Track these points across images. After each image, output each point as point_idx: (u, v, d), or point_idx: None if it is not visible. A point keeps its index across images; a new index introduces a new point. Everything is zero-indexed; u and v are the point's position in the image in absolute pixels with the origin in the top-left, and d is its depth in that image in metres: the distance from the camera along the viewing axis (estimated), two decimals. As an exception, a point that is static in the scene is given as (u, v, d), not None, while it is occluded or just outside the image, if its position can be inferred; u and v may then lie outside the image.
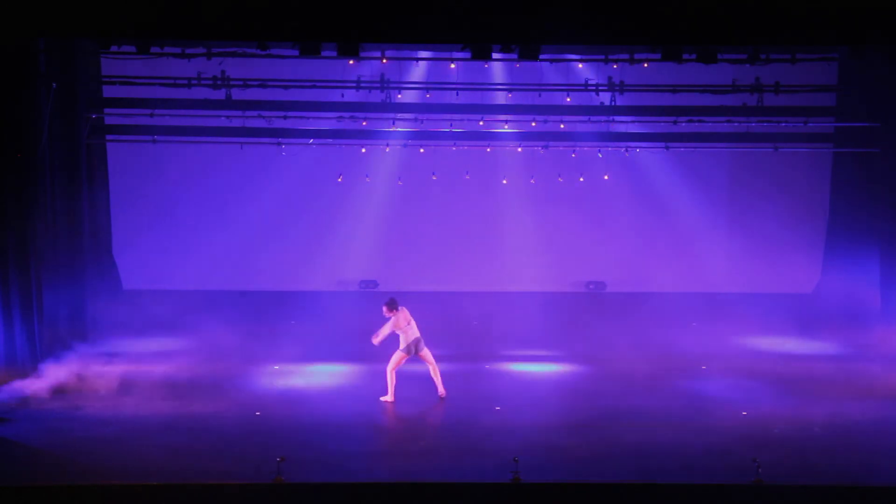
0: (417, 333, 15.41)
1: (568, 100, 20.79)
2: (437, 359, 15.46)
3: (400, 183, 22.37)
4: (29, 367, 16.46)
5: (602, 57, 19.24)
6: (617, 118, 21.34)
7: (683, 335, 19.90)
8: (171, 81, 19.87)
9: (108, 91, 20.97)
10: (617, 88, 20.48)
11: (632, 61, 18.95)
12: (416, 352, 15.37)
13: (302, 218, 23.29)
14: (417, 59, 19.93)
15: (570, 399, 15.70)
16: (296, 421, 14.46)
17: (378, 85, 20.35)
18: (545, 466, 12.53)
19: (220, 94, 20.31)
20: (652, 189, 23.15)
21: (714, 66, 17.64)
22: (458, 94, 20.71)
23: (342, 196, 22.92)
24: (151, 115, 20.66)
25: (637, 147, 22.04)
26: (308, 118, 21.29)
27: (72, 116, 19.10)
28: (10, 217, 16.43)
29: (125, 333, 19.36)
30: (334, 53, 16.95)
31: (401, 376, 15.29)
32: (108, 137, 21.43)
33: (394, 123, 21.36)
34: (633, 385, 16.20)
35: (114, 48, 19.26)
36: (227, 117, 20.98)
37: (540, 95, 20.83)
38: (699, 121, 21.21)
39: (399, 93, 20.89)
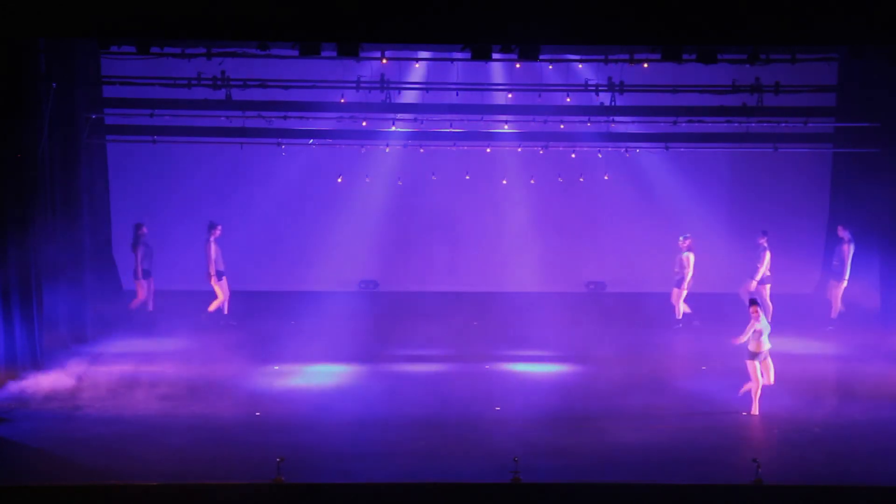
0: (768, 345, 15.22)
1: (568, 100, 20.80)
2: (438, 359, 15.43)
3: (400, 183, 22.35)
4: (29, 367, 16.43)
5: (602, 57, 19.22)
6: (617, 118, 21.32)
7: (683, 335, 19.89)
8: (171, 81, 19.85)
9: (108, 91, 20.94)
10: (617, 89, 20.46)
11: (632, 61, 18.91)
12: (760, 360, 15.20)
13: (302, 218, 23.25)
14: (417, 60, 19.92)
15: (570, 399, 15.69)
16: (296, 421, 14.45)
17: (378, 85, 20.34)
18: (545, 466, 12.53)
19: (220, 94, 20.27)
20: (652, 189, 23.14)
21: (714, 66, 17.60)
22: (458, 94, 20.68)
23: (342, 196, 22.89)
24: (151, 115, 20.65)
25: (637, 147, 22.04)
26: (308, 118, 21.29)
27: (72, 116, 19.07)
28: (10, 217, 16.41)
29: (125, 333, 19.35)
30: (334, 53, 16.94)
31: (400, 377, 15.24)
32: (108, 137, 21.41)
33: (394, 123, 21.33)
34: (633, 385, 16.20)
35: (114, 48, 19.22)
36: (227, 117, 20.95)
37: (540, 96, 20.82)
38: (699, 121, 21.20)
39: (399, 93, 20.87)
